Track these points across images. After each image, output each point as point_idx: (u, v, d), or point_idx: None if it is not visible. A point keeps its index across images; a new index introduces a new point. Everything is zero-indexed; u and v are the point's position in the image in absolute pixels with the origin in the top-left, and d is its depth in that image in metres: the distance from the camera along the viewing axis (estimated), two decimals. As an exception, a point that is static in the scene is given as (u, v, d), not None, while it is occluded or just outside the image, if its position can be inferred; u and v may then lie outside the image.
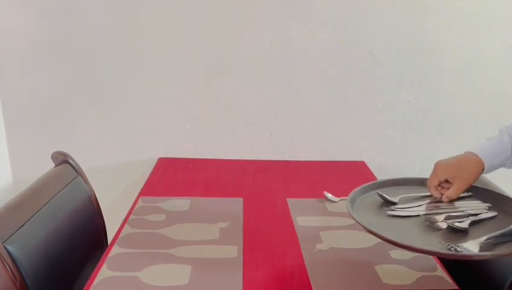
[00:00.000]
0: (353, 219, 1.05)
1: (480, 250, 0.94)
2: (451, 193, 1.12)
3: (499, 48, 2.01)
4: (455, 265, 1.26)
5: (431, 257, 1.25)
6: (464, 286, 1.15)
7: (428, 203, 1.14)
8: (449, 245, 0.95)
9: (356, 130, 2.09)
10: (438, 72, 2.04)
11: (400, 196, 1.17)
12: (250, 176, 1.89)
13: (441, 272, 1.18)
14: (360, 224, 1.02)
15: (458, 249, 0.94)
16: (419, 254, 1.04)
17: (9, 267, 1.07)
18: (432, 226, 1.05)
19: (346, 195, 1.59)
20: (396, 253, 1.26)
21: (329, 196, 1.60)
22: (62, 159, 1.55)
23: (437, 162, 1.16)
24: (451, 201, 1.13)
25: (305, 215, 1.50)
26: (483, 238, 0.97)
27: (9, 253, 1.09)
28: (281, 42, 1.99)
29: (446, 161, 1.16)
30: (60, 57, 2.00)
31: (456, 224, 1.02)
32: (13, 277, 1.07)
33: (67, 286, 1.31)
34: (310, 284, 1.13)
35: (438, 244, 0.97)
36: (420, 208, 1.12)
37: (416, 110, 2.07)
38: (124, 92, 2.04)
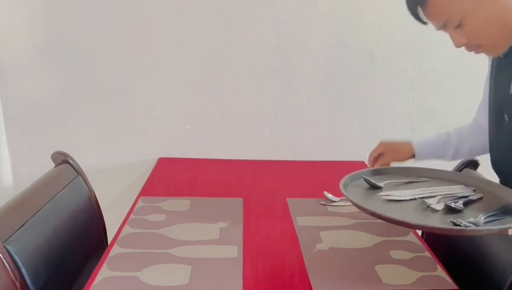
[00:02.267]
0: (355, 205, 1.09)
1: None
2: (382, 160, 1.42)
3: (499, 48, 2.01)
4: (455, 265, 1.26)
5: (431, 256, 1.25)
6: (464, 286, 1.14)
7: (416, 188, 1.21)
8: (457, 221, 0.99)
9: (356, 130, 2.09)
10: (438, 72, 2.04)
11: (385, 181, 1.24)
12: (250, 176, 1.89)
13: (441, 272, 1.18)
14: (365, 209, 1.06)
15: (467, 224, 0.97)
16: (424, 231, 1.09)
17: (9, 267, 1.07)
18: (428, 208, 1.10)
19: (346, 195, 1.61)
20: (396, 253, 1.26)
21: (329, 196, 1.60)
22: (62, 159, 1.55)
23: (382, 140, 1.47)
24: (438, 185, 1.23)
25: (305, 215, 1.50)
26: (482, 215, 1.01)
27: (9, 253, 1.09)
28: (281, 42, 1.99)
29: (388, 140, 1.47)
30: (60, 57, 2.00)
31: (453, 204, 1.08)
32: (13, 277, 1.07)
33: (67, 286, 1.31)
34: (310, 284, 1.13)
35: (443, 222, 1.01)
36: (411, 192, 1.18)
37: (416, 110, 2.07)
38: (124, 92, 2.04)
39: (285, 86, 2.04)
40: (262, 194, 1.69)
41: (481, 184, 1.22)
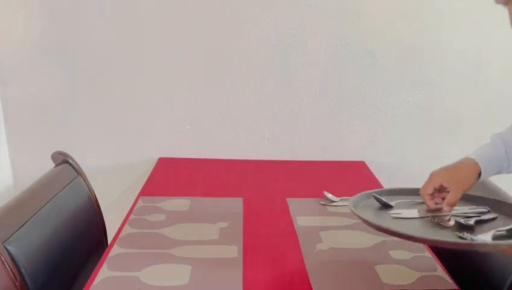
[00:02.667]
0: (365, 222, 1.05)
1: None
2: (450, 197, 1.07)
3: (499, 48, 2.01)
4: (455, 265, 1.26)
5: (431, 256, 1.25)
6: (464, 286, 1.14)
7: (428, 210, 1.14)
8: (464, 234, 0.97)
9: (356, 130, 2.09)
10: (438, 72, 2.04)
11: (396, 201, 1.19)
12: (250, 176, 1.89)
13: (441, 272, 1.18)
14: (373, 224, 1.03)
15: (474, 238, 0.95)
16: (432, 246, 1.07)
17: (9, 267, 1.07)
18: (439, 224, 1.06)
19: (346, 195, 1.61)
20: (396, 253, 1.26)
21: (329, 196, 1.60)
22: (62, 159, 1.55)
23: (432, 171, 1.14)
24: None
25: (305, 215, 1.50)
26: (493, 231, 0.99)
27: (9, 253, 1.09)
28: (281, 42, 1.99)
29: (441, 168, 1.14)
30: (60, 57, 2.00)
31: (463, 221, 1.05)
32: (13, 277, 1.07)
33: (67, 286, 1.31)
34: (310, 284, 1.13)
35: (451, 236, 0.99)
36: (423, 212, 1.13)
37: (416, 110, 2.07)
38: (124, 92, 2.04)
39: (285, 86, 2.04)
40: (262, 194, 1.70)
41: (496, 206, 1.14)
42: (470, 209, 1.14)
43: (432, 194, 1.11)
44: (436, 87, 2.05)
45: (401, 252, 1.26)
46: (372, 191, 1.23)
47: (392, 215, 1.12)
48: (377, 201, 1.18)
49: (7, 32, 1.97)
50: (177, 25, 1.97)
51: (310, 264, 1.21)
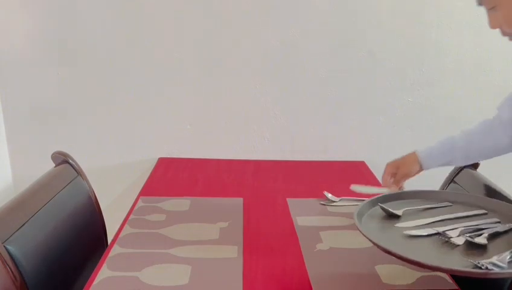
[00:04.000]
0: (375, 244, 1.01)
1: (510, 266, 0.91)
2: (397, 177, 1.37)
3: (499, 48, 2.01)
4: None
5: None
6: (464, 286, 1.14)
7: (437, 221, 1.13)
8: (478, 263, 0.92)
9: (356, 130, 2.09)
10: (438, 72, 2.04)
11: (404, 209, 1.18)
12: (250, 176, 1.89)
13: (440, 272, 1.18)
14: (380, 246, 0.99)
15: (489, 266, 0.90)
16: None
17: (9, 267, 1.07)
18: (447, 242, 1.04)
19: (346, 195, 1.61)
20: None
21: (329, 196, 1.60)
22: (62, 159, 1.55)
23: (387, 163, 1.42)
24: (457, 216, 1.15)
25: (305, 215, 1.50)
26: (508, 253, 0.94)
27: (9, 253, 1.09)
28: (281, 42, 1.99)
29: (393, 160, 1.42)
30: (60, 57, 2.00)
31: (476, 239, 1.01)
32: (13, 277, 1.07)
33: (67, 286, 1.31)
34: (310, 284, 1.13)
35: (463, 262, 0.95)
36: (431, 225, 1.11)
37: (416, 110, 2.07)
38: (124, 92, 2.04)
39: (285, 86, 2.04)
40: (262, 194, 1.69)
41: (506, 210, 1.15)
42: (479, 222, 1.12)
43: (387, 181, 1.39)
44: (436, 87, 2.05)
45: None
46: (376, 197, 1.22)
47: (403, 232, 1.09)
48: (383, 211, 1.17)
49: (7, 32, 1.97)
50: (177, 25, 1.97)
51: (310, 264, 1.21)
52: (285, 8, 1.96)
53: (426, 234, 1.08)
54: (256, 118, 2.07)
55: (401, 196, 1.25)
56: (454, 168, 1.59)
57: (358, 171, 1.97)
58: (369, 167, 2.01)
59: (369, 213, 1.17)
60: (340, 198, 1.60)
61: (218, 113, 2.07)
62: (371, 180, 1.87)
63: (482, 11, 2.01)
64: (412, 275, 1.16)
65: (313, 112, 2.07)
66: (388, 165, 1.41)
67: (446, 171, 1.61)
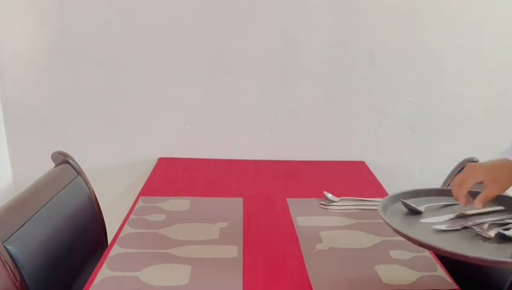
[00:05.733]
0: (400, 234, 0.99)
1: None
2: (487, 193, 1.02)
3: (499, 48, 2.01)
4: (455, 265, 1.26)
5: (431, 256, 1.25)
6: (464, 286, 1.14)
7: (460, 216, 1.11)
8: None
9: (356, 130, 2.09)
10: (438, 72, 2.04)
11: (425, 205, 1.15)
12: (250, 176, 1.89)
13: (441, 272, 1.18)
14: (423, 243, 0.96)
15: None
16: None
17: (9, 267, 1.07)
18: (477, 235, 1.01)
19: (346, 195, 1.61)
20: (396, 253, 1.26)
21: (329, 196, 1.60)
22: (62, 159, 1.55)
23: (469, 164, 1.09)
24: (483, 207, 1.06)
25: (305, 215, 1.50)
26: None
27: (9, 253, 1.09)
28: (281, 42, 1.99)
29: (480, 164, 1.10)
30: (59, 57, 2.00)
31: (507, 233, 0.99)
32: (13, 277, 1.07)
33: (67, 286, 1.31)
34: (310, 284, 1.13)
35: (504, 255, 0.93)
36: (459, 220, 1.08)
37: (416, 110, 2.07)
38: (124, 92, 2.04)
39: (285, 86, 2.04)
40: (262, 194, 1.70)
41: None
42: (502, 217, 1.09)
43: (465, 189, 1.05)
44: (436, 87, 2.05)
45: (401, 252, 1.26)
46: (396, 193, 1.17)
47: (431, 227, 1.05)
48: (405, 206, 1.14)
49: (7, 32, 1.97)
50: (177, 25, 1.97)
51: (310, 264, 1.21)
52: (285, 8, 1.96)
53: (456, 228, 1.04)
54: (256, 118, 2.07)
55: (418, 193, 1.20)
56: (456, 167, 1.58)
57: (358, 171, 1.97)
58: (369, 167, 2.01)
59: (391, 210, 1.13)
60: (340, 198, 1.60)
61: (218, 113, 2.07)
62: (371, 180, 1.87)
63: (482, 11, 2.03)
64: (412, 275, 1.16)
65: (313, 112, 2.07)
66: (476, 170, 1.06)
67: (445, 171, 1.61)
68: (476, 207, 1.04)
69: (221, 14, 1.97)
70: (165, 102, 2.05)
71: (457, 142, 2.08)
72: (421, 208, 1.13)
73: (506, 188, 1.05)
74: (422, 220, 1.09)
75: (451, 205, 1.15)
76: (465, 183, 1.04)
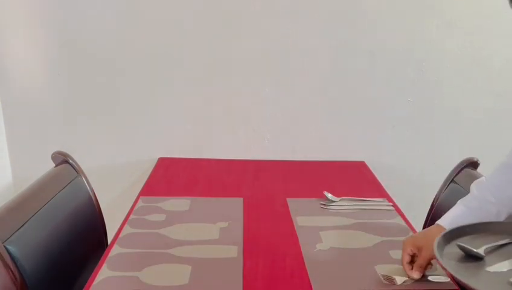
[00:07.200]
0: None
1: None
2: (418, 261, 1.11)
3: (499, 48, 2.01)
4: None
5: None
6: (464, 287, 1.14)
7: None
8: None
9: (356, 130, 2.09)
10: (438, 72, 2.04)
11: (483, 247, 1.03)
12: (250, 176, 1.89)
13: (441, 272, 1.18)
14: None
15: None
16: None
17: (9, 267, 1.07)
18: None
19: (346, 195, 1.61)
20: (397, 253, 1.26)
21: (329, 196, 1.60)
22: (62, 159, 1.55)
23: (404, 240, 1.18)
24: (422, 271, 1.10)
25: (305, 215, 1.50)
26: None
27: (9, 253, 1.09)
28: (281, 42, 1.99)
29: (411, 235, 1.22)
30: (60, 57, 2.00)
31: None
32: (13, 277, 1.07)
33: (67, 286, 1.31)
34: (310, 284, 1.13)
35: None
36: None
37: (416, 110, 2.07)
38: (125, 92, 2.04)
39: (285, 86, 2.04)
40: (262, 194, 1.70)
41: None
42: None
43: (410, 263, 1.14)
44: (436, 87, 2.05)
45: (401, 252, 1.26)
46: (448, 231, 1.05)
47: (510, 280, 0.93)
48: (462, 250, 1.01)
49: (7, 33, 1.97)
50: (177, 25, 1.97)
51: (310, 264, 1.21)
52: (286, 8, 1.96)
53: None
54: (256, 118, 2.07)
55: (464, 232, 1.07)
56: (454, 169, 1.58)
57: (358, 171, 1.97)
58: (369, 167, 2.01)
59: (445, 252, 1.01)
60: (340, 198, 1.60)
61: (218, 113, 2.07)
62: (371, 180, 1.87)
63: (482, 11, 2.03)
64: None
65: (313, 112, 2.07)
66: (406, 243, 1.15)
67: (445, 171, 1.61)
68: (413, 278, 1.11)
69: (221, 14, 1.97)
70: (165, 102, 2.05)
71: (457, 142, 2.08)
72: (480, 251, 1.01)
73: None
74: (490, 269, 0.97)
75: (508, 243, 1.06)
76: (403, 258, 1.15)
